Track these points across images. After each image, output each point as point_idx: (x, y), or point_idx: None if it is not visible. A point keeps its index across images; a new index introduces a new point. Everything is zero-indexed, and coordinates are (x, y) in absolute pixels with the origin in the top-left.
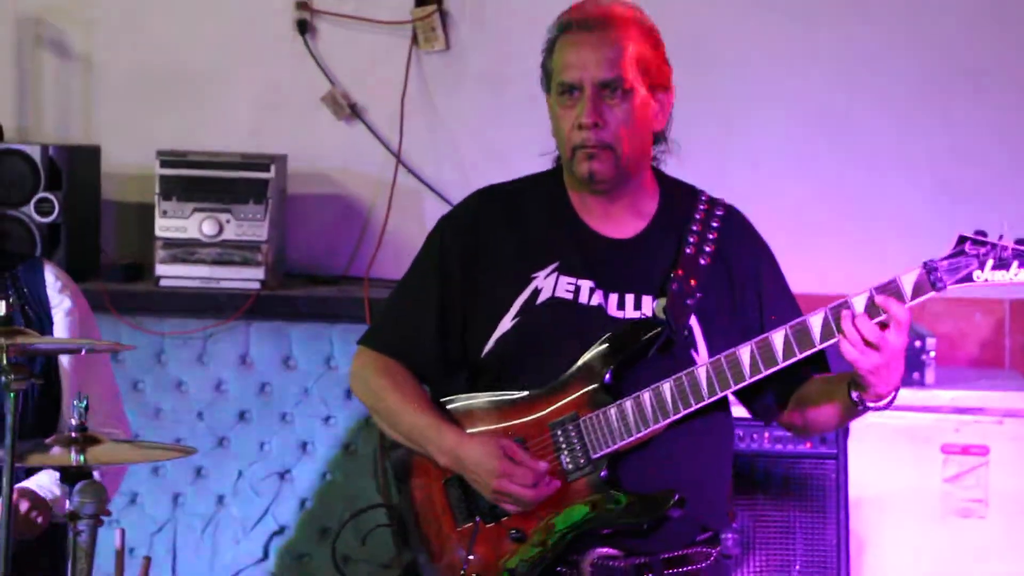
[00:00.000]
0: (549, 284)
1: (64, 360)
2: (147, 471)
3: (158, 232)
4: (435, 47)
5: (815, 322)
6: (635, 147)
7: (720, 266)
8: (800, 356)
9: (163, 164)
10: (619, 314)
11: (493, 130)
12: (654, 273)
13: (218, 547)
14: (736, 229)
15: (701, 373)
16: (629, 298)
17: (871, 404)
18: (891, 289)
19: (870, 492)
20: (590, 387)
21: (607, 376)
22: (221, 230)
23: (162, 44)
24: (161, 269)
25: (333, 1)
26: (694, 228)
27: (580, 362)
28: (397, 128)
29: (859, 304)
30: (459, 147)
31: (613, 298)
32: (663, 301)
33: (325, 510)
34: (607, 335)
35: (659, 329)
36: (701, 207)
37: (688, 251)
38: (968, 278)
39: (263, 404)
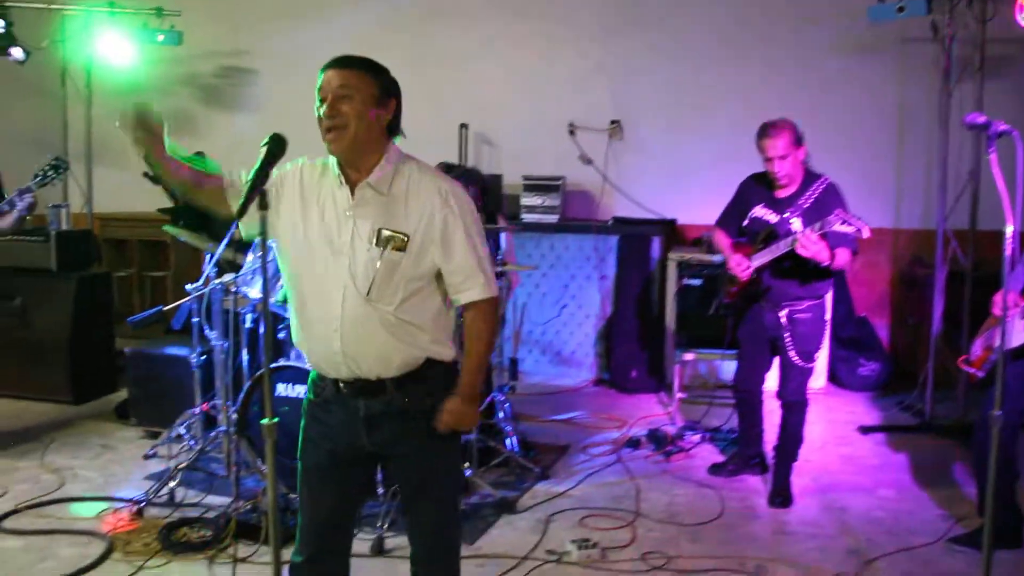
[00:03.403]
0: (758, 212)
1: None
2: (533, 283)
3: (523, 202)
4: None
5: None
6: (796, 170)
7: (815, 204)
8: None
9: (525, 179)
10: (777, 223)
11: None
12: (788, 208)
13: (542, 310)
14: (826, 189)
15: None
16: (785, 216)
17: None
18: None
19: None
20: (761, 244)
21: (762, 245)
22: (541, 203)
23: None
24: (524, 214)
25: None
26: (807, 191)
27: (761, 235)
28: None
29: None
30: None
31: (780, 217)
32: (775, 218)
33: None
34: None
35: (771, 228)
36: (815, 182)
37: (800, 200)
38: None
39: (554, 260)
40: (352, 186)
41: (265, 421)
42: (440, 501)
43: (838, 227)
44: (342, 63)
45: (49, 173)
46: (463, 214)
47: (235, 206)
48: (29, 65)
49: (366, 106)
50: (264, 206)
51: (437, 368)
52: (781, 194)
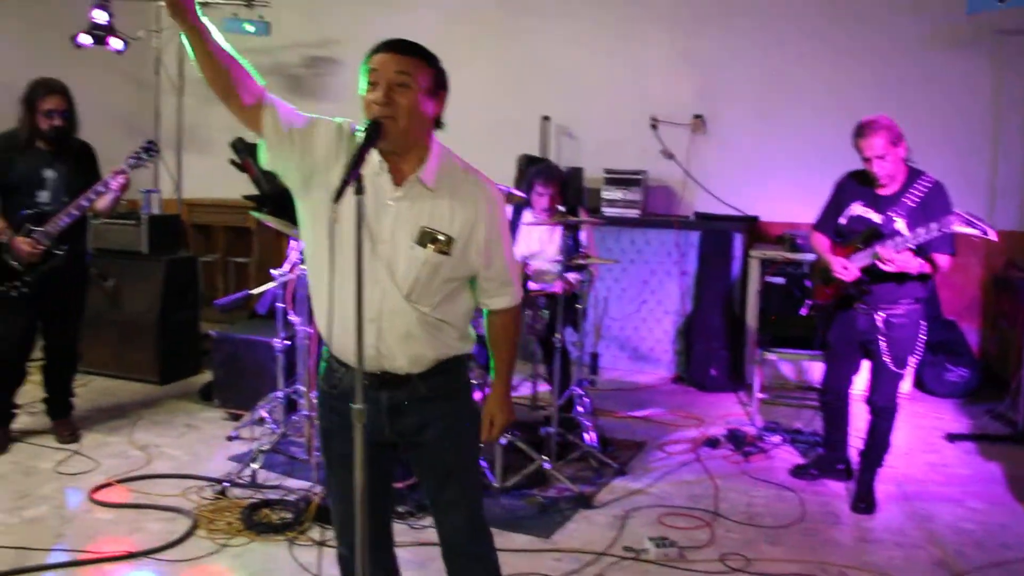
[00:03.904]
0: (858, 210)
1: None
2: (612, 278)
3: (604, 195)
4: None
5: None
6: (897, 168)
7: (922, 205)
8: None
9: (606, 172)
10: (881, 222)
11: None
12: (892, 207)
13: (621, 305)
14: (933, 189)
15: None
16: (888, 215)
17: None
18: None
19: None
20: (862, 244)
21: (862, 245)
22: (622, 197)
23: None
24: (605, 208)
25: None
26: (911, 189)
27: (863, 235)
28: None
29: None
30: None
31: (883, 216)
32: (878, 217)
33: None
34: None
35: (874, 228)
36: (919, 180)
37: (904, 199)
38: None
39: (634, 255)
40: (394, 174)
41: (355, 406)
42: (469, 485)
43: (959, 228)
44: (401, 48)
45: (142, 156)
46: (502, 222)
47: (267, 124)
48: (126, 54)
49: (420, 98)
50: (360, 191)
51: (459, 359)
52: (883, 192)
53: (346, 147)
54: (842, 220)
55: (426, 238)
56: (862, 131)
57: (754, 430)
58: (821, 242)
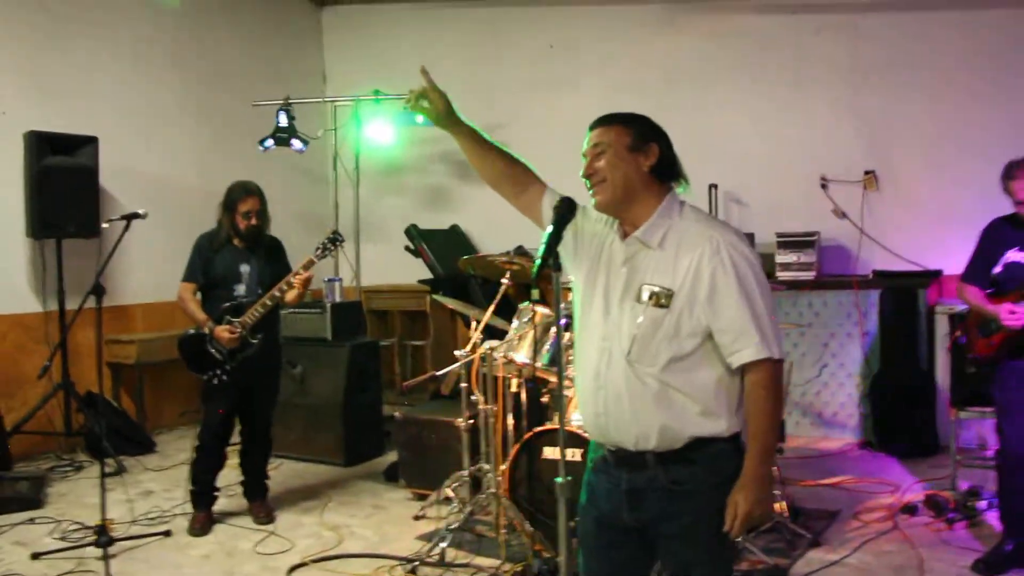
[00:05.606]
0: (1015, 256)
1: None
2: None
3: (777, 259)
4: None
5: None
6: None
7: None
8: None
9: (778, 236)
10: None
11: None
12: None
13: (801, 370)
14: None
15: None
16: None
17: None
18: None
19: None
20: None
21: None
22: (796, 260)
23: None
24: (779, 272)
25: None
26: None
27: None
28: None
29: None
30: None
31: None
32: None
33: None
34: None
35: None
36: None
37: None
38: None
39: (812, 317)
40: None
41: (559, 480)
42: None
43: None
44: (597, 122)
45: (328, 246)
46: (737, 266)
47: (546, 206)
48: (306, 153)
49: (619, 157)
50: (557, 268)
51: (708, 448)
52: None
53: (595, 227)
54: (997, 269)
55: (644, 291)
56: (1011, 173)
57: (954, 495)
58: (975, 293)
